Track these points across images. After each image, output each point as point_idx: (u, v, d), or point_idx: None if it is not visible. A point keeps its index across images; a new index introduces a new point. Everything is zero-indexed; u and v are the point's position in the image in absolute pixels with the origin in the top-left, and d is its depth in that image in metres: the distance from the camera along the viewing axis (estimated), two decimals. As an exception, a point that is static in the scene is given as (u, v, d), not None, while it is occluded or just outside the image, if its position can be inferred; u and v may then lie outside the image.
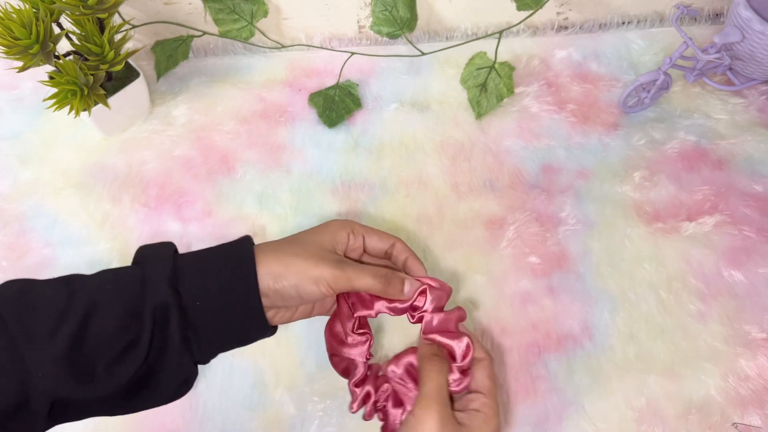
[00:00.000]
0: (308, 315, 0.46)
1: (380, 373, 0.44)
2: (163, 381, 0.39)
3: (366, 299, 0.43)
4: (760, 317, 0.54)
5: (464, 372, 0.41)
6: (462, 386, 0.41)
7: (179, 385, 0.40)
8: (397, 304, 0.43)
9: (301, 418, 0.51)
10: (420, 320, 0.43)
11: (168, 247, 0.41)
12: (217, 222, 0.59)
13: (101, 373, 0.36)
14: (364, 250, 0.45)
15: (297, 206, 0.60)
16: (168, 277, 0.38)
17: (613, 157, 0.63)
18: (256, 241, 0.59)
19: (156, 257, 0.40)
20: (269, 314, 0.41)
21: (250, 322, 0.41)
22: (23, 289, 0.38)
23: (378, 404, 0.43)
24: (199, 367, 0.41)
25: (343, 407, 0.51)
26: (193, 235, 0.59)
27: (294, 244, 0.42)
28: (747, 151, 0.63)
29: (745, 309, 0.55)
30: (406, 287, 0.42)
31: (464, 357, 0.41)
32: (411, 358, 0.43)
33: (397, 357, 0.44)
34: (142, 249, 0.41)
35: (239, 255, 0.40)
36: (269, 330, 0.42)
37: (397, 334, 0.54)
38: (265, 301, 0.40)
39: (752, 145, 0.63)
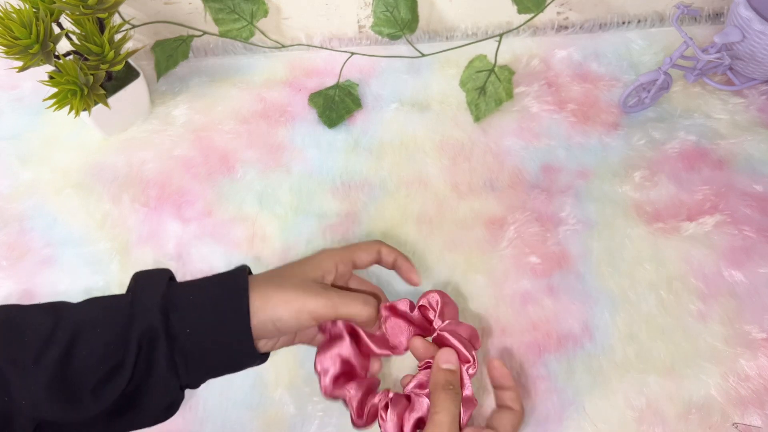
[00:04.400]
0: (290, 343, 0.46)
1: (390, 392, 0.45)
2: (148, 403, 0.39)
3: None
4: (760, 317, 0.54)
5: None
6: (466, 416, 0.41)
7: (165, 408, 0.40)
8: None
9: (301, 418, 0.51)
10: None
11: (163, 274, 0.41)
12: (217, 222, 0.59)
13: (86, 397, 0.36)
14: (354, 266, 0.47)
15: (297, 206, 0.60)
16: (159, 303, 0.38)
17: (614, 157, 0.63)
18: (255, 241, 0.59)
19: (149, 284, 0.40)
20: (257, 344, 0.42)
21: (239, 350, 0.41)
22: (9, 315, 0.38)
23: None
24: None
25: (343, 407, 0.51)
26: (193, 235, 0.59)
27: (281, 276, 0.43)
28: (747, 151, 0.63)
29: (746, 309, 0.55)
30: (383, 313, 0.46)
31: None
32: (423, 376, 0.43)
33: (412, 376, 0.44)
34: (137, 275, 0.42)
35: (233, 286, 0.41)
36: (259, 358, 0.43)
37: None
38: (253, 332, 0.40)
39: (752, 145, 0.63)
